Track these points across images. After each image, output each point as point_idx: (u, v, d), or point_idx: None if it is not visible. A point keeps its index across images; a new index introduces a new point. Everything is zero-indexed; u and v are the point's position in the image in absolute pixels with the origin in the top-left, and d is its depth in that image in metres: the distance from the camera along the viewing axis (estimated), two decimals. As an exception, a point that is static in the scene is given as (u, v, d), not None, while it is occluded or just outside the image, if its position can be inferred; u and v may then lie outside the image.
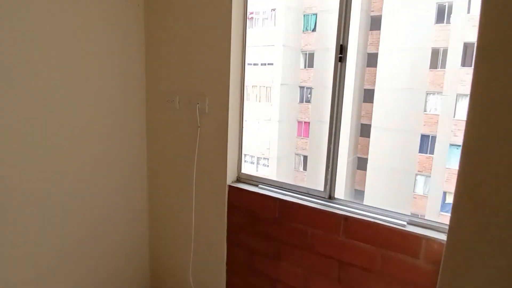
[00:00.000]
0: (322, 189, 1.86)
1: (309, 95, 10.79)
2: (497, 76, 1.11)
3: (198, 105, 2.04)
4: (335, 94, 1.76)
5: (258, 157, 10.78)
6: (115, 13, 2.04)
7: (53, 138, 1.83)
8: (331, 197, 1.83)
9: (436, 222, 1.52)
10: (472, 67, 1.15)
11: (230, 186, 2.03)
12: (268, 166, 10.66)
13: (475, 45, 1.14)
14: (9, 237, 1.72)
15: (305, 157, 10.76)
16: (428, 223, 1.54)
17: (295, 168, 10.87)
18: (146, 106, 2.31)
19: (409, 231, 1.51)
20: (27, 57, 1.67)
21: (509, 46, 1.08)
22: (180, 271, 2.34)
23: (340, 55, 1.70)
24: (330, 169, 1.81)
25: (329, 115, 1.79)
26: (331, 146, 1.79)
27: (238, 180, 2.10)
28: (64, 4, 1.79)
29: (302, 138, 10.80)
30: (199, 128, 2.06)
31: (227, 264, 2.12)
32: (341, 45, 1.70)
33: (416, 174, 9.48)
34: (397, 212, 1.63)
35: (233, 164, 2.07)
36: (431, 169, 9.16)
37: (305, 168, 10.75)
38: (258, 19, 10.50)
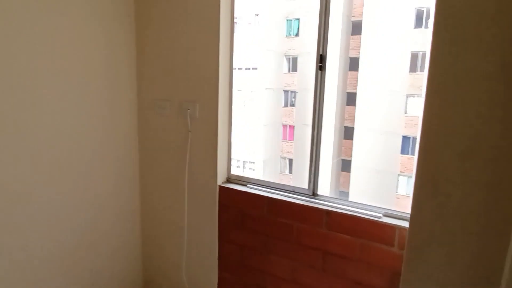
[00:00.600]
0: (306, 186, 2.01)
1: (293, 99, 11.00)
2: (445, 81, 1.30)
3: (188, 110, 2.17)
4: (316, 99, 1.92)
5: (244, 161, 10.92)
6: (106, 22, 2.14)
7: (45, 141, 1.91)
8: (314, 194, 1.98)
9: (408, 213, 1.69)
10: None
11: (220, 187, 2.17)
12: (254, 170, 10.82)
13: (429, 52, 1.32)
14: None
15: (290, 160, 10.96)
16: (402, 214, 1.72)
17: (280, 171, 11.05)
18: (137, 112, 2.42)
19: (384, 222, 1.68)
20: (24, 64, 1.77)
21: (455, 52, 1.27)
22: (173, 269, 2.45)
23: (320, 64, 1.86)
24: (313, 168, 1.97)
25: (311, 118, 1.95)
26: (314, 146, 1.95)
27: (228, 180, 2.24)
28: (56, 11, 1.88)
29: (287, 142, 11.00)
30: (190, 133, 2.19)
31: (219, 260, 2.25)
32: (321, 55, 1.87)
33: (399, 175, 9.76)
34: (374, 206, 1.80)
35: (223, 166, 2.20)
36: (412, 170, 9.45)
37: (290, 171, 10.94)
38: (241, 24, 10.67)
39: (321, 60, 1.87)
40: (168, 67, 2.24)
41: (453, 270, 1.39)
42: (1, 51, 1.66)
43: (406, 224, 1.63)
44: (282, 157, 11.09)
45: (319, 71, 1.89)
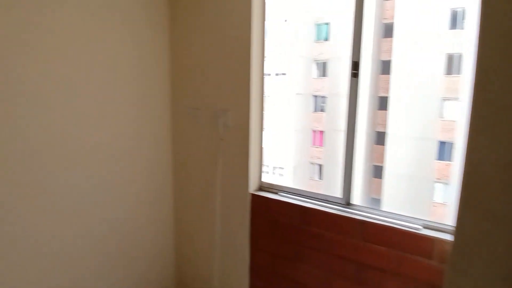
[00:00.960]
0: (339, 195, 1.97)
1: (323, 104, 10.88)
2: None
3: (221, 119, 2.19)
4: (350, 106, 1.88)
5: (273, 167, 10.90)
6: (141, 32, 2.22)
7: (84, 147, 2.01)
8: (348, 203, 1.94)
9: (449, 225, 1.61)
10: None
11: (252, 195, 2.17)
12: (283, 175, 10.77)
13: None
14: (31, 240, 1.88)
15: (320, 166, 10.82)
16: (442, 226, 1.64)
17: (310, 177, 10.93)
18: (171, 120, 2.48)
19: (423, 234, 1.60)
20: (67, 71, 1.87)
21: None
22: (205, 275, 2.47)
23: (354, 71, 1.83)
24: (346, 176, 1.93)
25: (343, 124, 1.92)
26: (347, 154, 1.91)
27: (260, 188, 2.24)
28: (95, 22, 1.98)
29: (317, 147, 10.87)
30: (222, 141, 2.21)
31: (250, 268, 2.24)
32: (355, 62, 1.83)
33: (435, 182, 9.37)
34: (412, 217, 1.73)
35: (255, 174, 2.20)
36: (450, 177, 9.05)
37: (320, 177, 10.79)
38: (271, 30, 10.72)
39: (355, 67, 1.84)
40: (201, 75, 2.29)
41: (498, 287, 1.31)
42: (45, 61, 1.77)
43: (446, 236, 1.55)
44: (311, 163, 10.97)
45: (353, 78, 1.85)
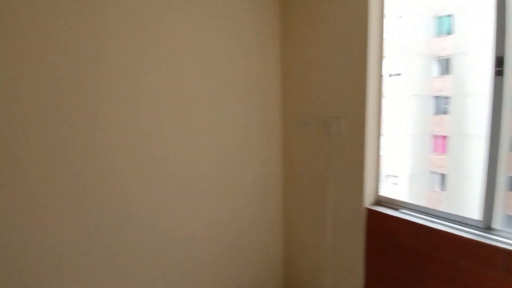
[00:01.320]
0: (477, 217, 1.65)
1: (445, 106, 9.66)
2: None
3: (333, 126, 2.08)
4: (494, 108, 1.57)
5: (386, 175, 10.11)
6: (253, 39, 2.28)
7: (199, 153, 2.14)
8: (489, 227, 1.61)
9: None
10: None
11: (368, 210, 1.99)
12: (397, 184, 9.87)
13: None
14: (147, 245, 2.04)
15: (443, 176, 9.59)
16: None
17: (430, 187, 9.79)
18: (281, 129, 2.47)
19: None
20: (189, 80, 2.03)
21: None
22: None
23: (499, 68, 1.51)
24: (488, 195, 1.60)
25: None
26: (491, 166, 1.59)
27: (377, 203, 2.04)
28: (207, 31, 2.09)
29: (438, 154, 9.69)
30: (334, 149, 2.09)
31: (365, 289, 2.06)
32: (499, 57, 1.52)
33: None
34: None
35: (371, 186, 2.02)
36: None
37: (443, 188, 9.57)
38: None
39: (499, 63, 1.52)
40: (312, 81, 2.22)
41: None
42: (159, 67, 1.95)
43: None
44: (431, 172, 9.82)
45: (497, 76, 1.53)
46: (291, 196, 2.50)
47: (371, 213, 1.98)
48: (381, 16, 1.92)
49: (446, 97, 9.60)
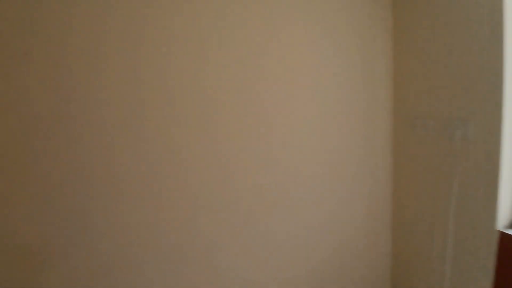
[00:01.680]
0: None
1: None
2: None
3: (458, 130, 1.75)
4: None
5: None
6: (364, 36, 2.11)
7: (305, 155, 2.06)
8: None
9: None
10: None
11: (501, 233, 1.61)
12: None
13: None
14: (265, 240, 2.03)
15: None
16: None
17: None
18: (392, 132, 2.22)
19: None
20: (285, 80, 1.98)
21: None
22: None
23: None
24: None
25: None
26: None
27: (513, 226, 1.64)
28: (317, 32, 2.00)
29: None
30: (459, 158, 1.76)
31: (492, 331, 1.68)
32: None
33: None
34: None
35: (507, 205, 1.64)
36: None
37: None
38: None
39: None
40: (429, 76, 1.92)
41: None
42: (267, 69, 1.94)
43: None
44: None
45: None
46: (401, 212, 2.21)
47: (505, 238, 1.59)
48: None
49: None
